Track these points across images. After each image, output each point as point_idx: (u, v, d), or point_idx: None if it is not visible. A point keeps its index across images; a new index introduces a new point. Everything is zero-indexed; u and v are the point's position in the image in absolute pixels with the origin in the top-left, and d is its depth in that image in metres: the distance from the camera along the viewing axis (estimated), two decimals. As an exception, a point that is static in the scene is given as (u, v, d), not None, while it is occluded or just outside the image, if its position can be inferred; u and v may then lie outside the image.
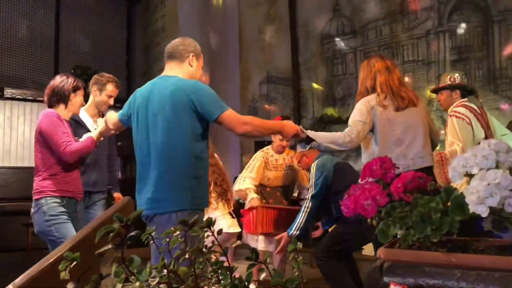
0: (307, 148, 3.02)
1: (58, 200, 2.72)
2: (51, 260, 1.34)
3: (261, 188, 4.00)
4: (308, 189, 3.54)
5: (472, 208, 0.78)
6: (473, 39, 6.18)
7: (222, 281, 0.91)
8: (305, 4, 7.75)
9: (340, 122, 6.91)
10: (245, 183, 3.90)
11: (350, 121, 2.59)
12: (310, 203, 3.40)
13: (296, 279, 0.82)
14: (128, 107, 2.44)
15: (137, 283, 0.81)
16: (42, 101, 6.80)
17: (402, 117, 2.57)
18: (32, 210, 2.69)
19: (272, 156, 4.07)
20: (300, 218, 3.42)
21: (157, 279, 0.83)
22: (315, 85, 7.54)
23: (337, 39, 7.29)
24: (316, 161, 3.56)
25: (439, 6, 6.47)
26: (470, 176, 0.84)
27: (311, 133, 2.47)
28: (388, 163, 0.98)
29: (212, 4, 8.58)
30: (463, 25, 6.25)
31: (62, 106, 2.99)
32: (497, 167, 0.81)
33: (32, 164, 6.83)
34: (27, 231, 5.56)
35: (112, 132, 2.82)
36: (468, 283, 0.80)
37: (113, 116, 2.67)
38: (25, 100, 6.80)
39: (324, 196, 3.45)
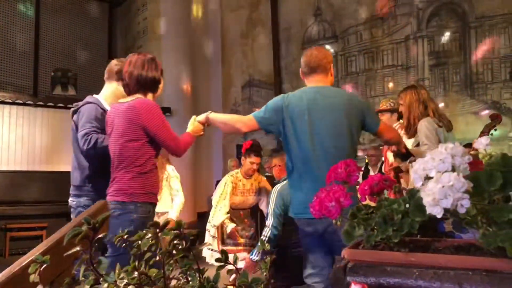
0: (407, 162, 3.16)
1: (148, 209, 2.39)
2: (22, 264, 1.34)
3: None
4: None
5: (428, 209, 0.81)
6: (451, 44, 6.32)
7: (190, 282, 0.93)
8: (287, 8, 7.82)
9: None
10: (221, 214, 3.81)
11: (425, 139, 3.05)
12: (270, 232, 3.18)
13: (261, 279, 0.84)
14: (274, 113, 2.40)
15: (105, 285, 0.83)
16: (21, 104, 6.77)
17: (451, 136, 3.18)
18: (112, 210, 2.26)
19: (240, 181, 3.97)
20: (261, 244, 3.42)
21: (125, 281, 0.84)
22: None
23: (319, 43, 7.36)
24: (279, 186, 3.38)
25: (418, 12, 6.60)
26: (429, 178, 0.87)
27: (413, 151, 2.91)
28: (352, 166, 1.02)
29: (195, 7, 8.59)
30: (441, 30, 6.38)
31: (150, 95, 2.50)
32: (453, 170, 0.85)
33: (11, 168, 6.75)
34: (4, 236, 5.48)
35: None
36: (425, 281, 0.83)
37: (218, 116, 2.64)
38: (3, 103, 6.70)
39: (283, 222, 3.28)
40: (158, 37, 8.27)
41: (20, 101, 6.85)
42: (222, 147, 8.40)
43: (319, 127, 2.33)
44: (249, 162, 3.85)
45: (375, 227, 0.96)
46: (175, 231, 0.97)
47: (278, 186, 3.42)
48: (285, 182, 3.42)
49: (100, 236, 0.86)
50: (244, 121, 2.49)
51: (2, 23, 8.29)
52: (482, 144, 0.93)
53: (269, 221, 3.26)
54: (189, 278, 0.95)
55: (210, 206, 4.18)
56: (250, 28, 8.34)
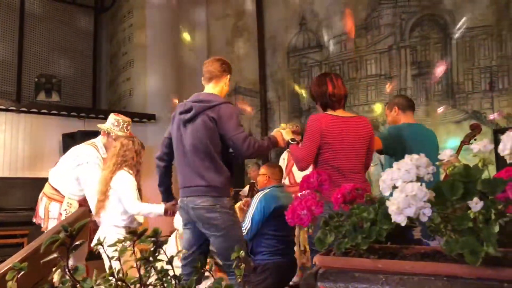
0: None
1: None
2: (1, 272, 1.35)
3: None
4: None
5: (393, 218, 0.85)
6: (433, 54, 6.44)
7: (166, 288, 0.95)
8: (272, 17, 7.90)
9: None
10: None
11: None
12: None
13: (232, 285, 0.87)
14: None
15: (81, 291, 0.85)
16: (4, 110, 6.69)
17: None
18: None
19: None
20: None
21: (102, 287, 0.86)
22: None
23: (303, 52, 7.45)
24: (262, 193, 3.47)
25: (401, 22, 6.72)
26: (395, 188, 0.91)
27: None
28: (323, 175, 1.05)
29: (181, 15, 8.62)
30: (424, 41, 6.51)
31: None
32: (418, 180, 0.89)
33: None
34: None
35: None
36: (391, 286, 0.87)
37: None
38: (-15, 109, 6.63)
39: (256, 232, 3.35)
40: (143, 44, 8.27)
41: (3, 107, 6.78)
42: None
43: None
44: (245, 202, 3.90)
45: (346, 235, 1.00)
46: (153, 238, 0.99)
47: (261, 193, 3.47)
48: (268, 190, 3.50)
49: (77, 243, 0.88)
50: None
51: (-14, 28, 8.22)
52: (446, 155, 0.98)
53: (246, 225, 3.32)
54: (165, 285, 0.97)
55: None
56: (236, 36, 8.39)
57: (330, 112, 2.70)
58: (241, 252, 0.99)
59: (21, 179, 6.68)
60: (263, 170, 3.78)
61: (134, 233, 1.08)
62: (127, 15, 8.80)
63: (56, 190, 3.43)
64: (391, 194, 0.95)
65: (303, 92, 7.49)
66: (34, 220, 3.54)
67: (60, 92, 7.89)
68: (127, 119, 3.87)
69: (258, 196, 3.44)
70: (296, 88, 7.59)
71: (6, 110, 6.80)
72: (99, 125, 3.90)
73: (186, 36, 8.71)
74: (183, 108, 2.75)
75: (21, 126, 6.93)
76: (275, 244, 3.23)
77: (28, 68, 8.66)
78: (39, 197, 3.44)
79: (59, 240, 0.84)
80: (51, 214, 3.15)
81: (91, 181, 3.12)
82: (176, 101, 8.22)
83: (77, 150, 3.60)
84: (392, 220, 0.86)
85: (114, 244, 1.07)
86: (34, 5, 8.87)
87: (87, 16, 9.80)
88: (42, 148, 7.03)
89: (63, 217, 2.99)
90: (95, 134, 7.02)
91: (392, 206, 0.84)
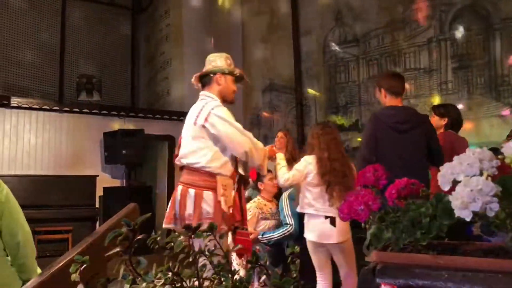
0: None
1: None
2: (60, 264, 1.40)
3: None
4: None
5: (457, 213, 0.83)
6: (474, 46, 6.23)
7: (224, 283, 0.96)
8: (307, 13, 7.84)
9: (343, 130, 6.96)
10: None
11: None
12: (293, 229, 3.61)
13: (292, 280, 0.87)
14: None
15: (144, 284, 0.87)
16: (47, 110, 6.94)
17: None
18: None
19: (265, 205, 3.98)
20: (277, 235, 3.66)
21: (162, 281, 0.88)
22: (310, 91, 7.60)
23: (339, 47, 7.36)
24: (287, 193, 3.78)
25: (441, 14, 6.53)
26: (456, 182, 0.89)
27: None
28: (380, 170, 1.04)
29: (216, 13, 8.68)
30: (465, 33, 6.31)
31: None
32: (481, 174, 0.86)
33: (38, 173, 6.92)
34: (33, 239, 5.60)
35: None
36: (455, 283, 0.85)
37: None
38: (30, 109, 6.88)
39: None
40: (180, 44, 8.39)
41: (47, 107, 7.03)
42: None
43: None
44: (270, 178, 3.90)
45: (403, 230, 0.98)
46: (208, 233, 1.01)
47: (285, 193, 3.81)
48: (290, 190, 3.80)
49: (139, 237, 0.90)
50: None
51: (30, 31, 8.53)
52: (510, 148, 0.94)
53: (289, 220, 3.61)
54: (222, 279, 0.98)
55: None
56: (270, 33, 8.38)
57: None
58: (296, 247, 0.99)
59: (64, 177, 6.92)
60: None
61: (189, 228, 1.09)
62: (164, 15, 8.94)
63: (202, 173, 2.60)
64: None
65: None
66: (170, 225, 2.58)
67: (100, 91, 8.10)
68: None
69: (285, 197, 3.77)
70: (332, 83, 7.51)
71: (50, 110, 7.04)
72: (209, 68, 3.01)
73: (222, 34, 8.76)
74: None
75: (63, 125, 7.17)
76: None
77: (70, 68, 8.94)
78: (179, 194, 2.56)
79: (122, 234, 0.87)
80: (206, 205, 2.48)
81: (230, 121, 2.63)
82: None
83: (194, 108, 2.79)
84: (456, 215, 0.84)
85: (170, 239, 1.08)
86: (75, 7, 9.14)
87: (125, 17, 10.02)
88: (84, 146, 7.25)
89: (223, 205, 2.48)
90: (135, 132, 7.23)
91: (456, 201, 0.82)
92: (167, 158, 7.99)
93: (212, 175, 2.52)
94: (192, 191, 2.51)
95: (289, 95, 8.00)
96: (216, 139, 2.58)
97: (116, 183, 7.53)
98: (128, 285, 0.87)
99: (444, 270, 0.87)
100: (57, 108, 7.14)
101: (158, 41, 9.15)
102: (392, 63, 6.96)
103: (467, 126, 5.95)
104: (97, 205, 6.89)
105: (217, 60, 3.02)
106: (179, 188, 2.57)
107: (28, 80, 8.47)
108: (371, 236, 1.00)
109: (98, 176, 6.97)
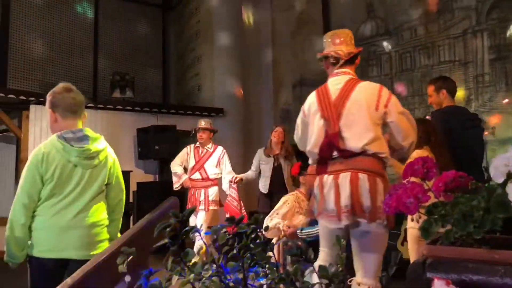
0: None
1: None
2: (104, 256, 1.43)
3: None
4: None
5: (515, 205, 0.80)
6: (512, 37, 6.02)
7: (269, 275, 0.96)
8: (338, 6, 7.74)
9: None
10: (273, 221, 3.73)
11: None
12: None
13: (340, 274, 0.86)
14: None
15: (191, 275, 0.87)
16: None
17: None
18: None
19: (303, 201, 3.91)
20: (316, 230, 3.35)
21: (209, 272, 0.88)
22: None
23: (372, 40, 7.24)
24: None
25: (477, 5, 6.33)
26: (510, 175, 0.86)
27: None
28: (430, 162, 1.01)
29: (246, 9, 8.68)
30: (503, 23, 6.10)
31: None
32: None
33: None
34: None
35: None
36: (512, 278, 0.82)
37: None
38: (67, 106, 7.06)
39: None
40: (211, 40, 8.43)
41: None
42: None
43: None
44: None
45: (454, 224, 0.96)
46: (253, 225, 1.00)
47: None
48: None
49: (187, 228, 0.91)
50: None
51: (64, 30, 8.75)
52: None
53: None
54: (268, 271, 0.98)
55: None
56: (300, 26, 8.32)
57: None
58: (343, 241, 0.98)
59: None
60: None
61: (232, 219, 1.09)
62: (194, 12, 9.00)
63: None
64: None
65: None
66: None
67: (133, 89, 8.23)
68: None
69: None
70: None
71: (85, 107, 7.19)
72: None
73: (251, 30, 8.76)
74: None
75: (98, 122, 7.31)
76: None
77: (103, 66, 9.12)
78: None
79: (171, 225, 0.88)
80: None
81: None
82: (242, 94, 8.32)
83: (362, 89, 2.60)
84: (513, 208, 0.81)
85: (214, 231, 1.09)
86: (107, 6, 9.31)
87: (155, 15, 10.14)
88: (118, 142, 7.36)
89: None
90: (167, 128, 7.32)
91: (513, 193, 0.79)
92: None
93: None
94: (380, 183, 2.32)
95: (320, 89, 7.93)
96: (384, 126, 2.47)
97: (149, 178, 7.64)
98: (177, 277, 0.88)
99: (500, 265, 0.84)
100: (92, 105, 7.29)
101: (188, 38, 9.22)
102: (425, 55, 6.81)
103: (506, 119, 5.77)
104: (131, 200, 7.02)
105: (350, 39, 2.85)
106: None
107: (63, 78, 8.68)
108: (420, 229, 0.98)
109: (132, 171, 7.09)
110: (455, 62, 6.53)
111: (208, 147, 5.41)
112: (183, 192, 5.57)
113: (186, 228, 0.92)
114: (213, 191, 5.27)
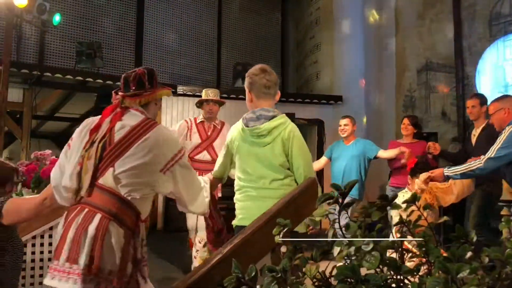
0: None
1: None
2: (250, 231, 1.49)
3: None
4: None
5: None
6: None
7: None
8: (471, -17, 7.13)
9: None
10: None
11: None
12: (482, 165, 3.17)
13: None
14: None
15: (352, 248, 0.87)
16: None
17: None
18: None
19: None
20: (462, 168, 3.24)
21: (371, 245, 0.87)
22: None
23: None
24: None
25: None
26: None
27: None
28: None
29: (368, -7, 8.42)
30: None
31: None
32: None
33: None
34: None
35: None
36: None
37: None
38: (194, 96, 7.51)
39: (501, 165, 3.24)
40: (331, 27, 8.33)
41: (206, 94, 7.60)
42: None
43: None
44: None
45: None
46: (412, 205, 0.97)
47: None
48: None
49: (348, 201, 0.91)
50: None
51: (192, 24, 9.32)
52: None
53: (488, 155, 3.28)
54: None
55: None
56: (427, 8, 7.82)
57: None
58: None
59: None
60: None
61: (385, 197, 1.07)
62: (314, -1, 8.94)
63: None
64: None
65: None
66: None
67: (254, 78, 8.49)
68: None
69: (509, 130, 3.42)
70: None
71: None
72: None
73: (373, 14, 8.47)
74: None
75: (221, 110, 7.66)
76: None
77: (226, 57, 9.56)
78: None
79: (333, 197, 0.88)
80: None
81: None
82: (363, 82, 8.11)
83: None
84: None
85: (365, 208, 1.07)
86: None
87: (274, 4, 10.32)
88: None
89: None
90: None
91: None
92: (317, 141, 8.06)
93: None
94: None
95: (449, 74, 7.40)
96: None
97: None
98: (339, 248, 0.89)
99: None
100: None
101: (307, 26, 9.21)
102: None
103: None
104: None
105: None
106: None
107: (190, 69, 9.26)
108: None
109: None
110: None
111: (216, 123, 4.68)
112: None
113: (348, 201, 0.92)
114: None
